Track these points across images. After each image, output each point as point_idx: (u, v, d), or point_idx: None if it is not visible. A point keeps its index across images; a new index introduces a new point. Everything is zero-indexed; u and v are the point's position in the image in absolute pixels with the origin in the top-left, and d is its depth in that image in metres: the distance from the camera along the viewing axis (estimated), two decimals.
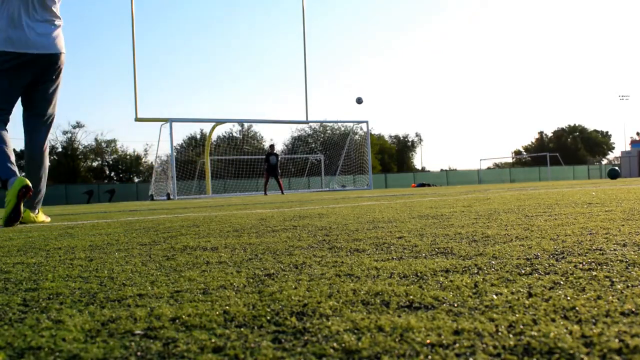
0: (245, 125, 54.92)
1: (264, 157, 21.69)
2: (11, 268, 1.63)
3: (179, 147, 37.34)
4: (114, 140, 58.44)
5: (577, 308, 0.87)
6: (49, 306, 1.06)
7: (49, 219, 4.62)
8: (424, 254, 1.54)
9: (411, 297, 1.00)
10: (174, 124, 19.81)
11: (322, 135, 53.63)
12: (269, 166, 19.83)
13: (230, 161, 30.92)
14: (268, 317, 0.90)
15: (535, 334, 0.75)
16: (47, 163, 4.46)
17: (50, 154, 52.73)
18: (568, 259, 1.35)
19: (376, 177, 40.38)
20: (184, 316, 0.93)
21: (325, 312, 0.92)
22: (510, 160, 69.10)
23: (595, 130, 76.21)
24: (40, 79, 4.30)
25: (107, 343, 0.80)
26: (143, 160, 60.74)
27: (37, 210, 4.44)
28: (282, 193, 19.35)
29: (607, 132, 77.39)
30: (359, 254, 1.60)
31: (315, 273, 1.30)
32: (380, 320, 0.85)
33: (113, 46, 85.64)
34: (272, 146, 20.75)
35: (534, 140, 77.73)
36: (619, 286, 1.01)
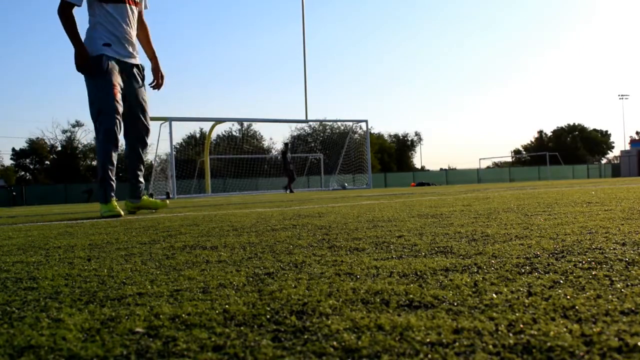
0: (245, 124, 54.89)
1: (264, 156, 22.17)
2: (11, 267, 1.63)
3: (178, 146, 37.29)
4: None
5: (576, 307, 0.87)
6: (48, 305, 1.06)
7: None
8: (423, 253, 1.54)
9: (411, 296, 1.00)
10: (173, 123, 19.79)
11: (322, 135, 53.61)
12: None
13: (230, 160, 30.94)
14: (268, 316, 0.90)
15: (535, 332, 0.75)
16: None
17: (50, 153, 52.81)
18: (568, 258, 1.35)
19: (375, 176, 40.37)
20: (183, 315, 0.93)
21: (325, 311, 0.92)
22: (509, 159, 69.10)
23: (595, 130, 76.13)
24: None
25: (106, 342, 0.80)
26: None
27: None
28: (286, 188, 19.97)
29: (606, 132, 77.30)
30: (358, 253, 1.60)
31: (315, 272, 1.30)
32: (380, 319, 0.85)
33: None
34: (285, 144, 21.44)
35: (533, 140, 77.66)
36: (618, 285, 1.01)
